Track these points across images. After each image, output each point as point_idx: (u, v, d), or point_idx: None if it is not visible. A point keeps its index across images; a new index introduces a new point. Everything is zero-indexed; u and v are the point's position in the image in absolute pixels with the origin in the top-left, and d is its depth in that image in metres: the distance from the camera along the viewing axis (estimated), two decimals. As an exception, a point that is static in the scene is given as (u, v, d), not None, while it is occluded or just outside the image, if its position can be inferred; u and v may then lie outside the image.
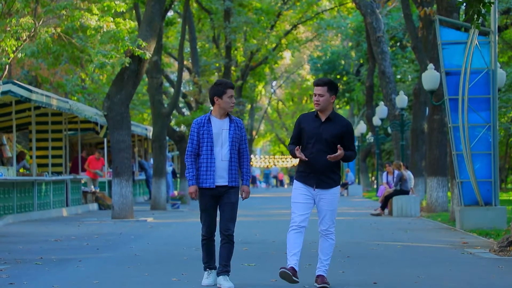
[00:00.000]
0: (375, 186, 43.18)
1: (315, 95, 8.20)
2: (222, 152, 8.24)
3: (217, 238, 8.37)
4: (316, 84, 8.22)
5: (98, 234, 15.34)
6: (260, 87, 59.28)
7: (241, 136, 8.36)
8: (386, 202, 22.00)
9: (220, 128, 8.26)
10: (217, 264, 8.48)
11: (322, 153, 8.11)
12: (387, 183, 23.56)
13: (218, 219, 8.42)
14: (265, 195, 41.80)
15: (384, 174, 24.26)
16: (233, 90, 8.32)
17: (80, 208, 24.40)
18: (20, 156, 23.96)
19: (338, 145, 8.08)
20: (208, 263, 8.43)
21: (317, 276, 8.20)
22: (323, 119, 8.21)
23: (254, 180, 73.99)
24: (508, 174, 49.86)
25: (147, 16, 21.02)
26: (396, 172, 22.31)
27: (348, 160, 8.25)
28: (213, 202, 8.29)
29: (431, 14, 21.94)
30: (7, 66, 19.21)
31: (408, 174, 22.26)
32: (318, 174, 8.14)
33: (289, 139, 8.57)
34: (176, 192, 28.49)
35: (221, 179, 8.25)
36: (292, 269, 8.01)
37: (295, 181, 8.34)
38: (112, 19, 19.65)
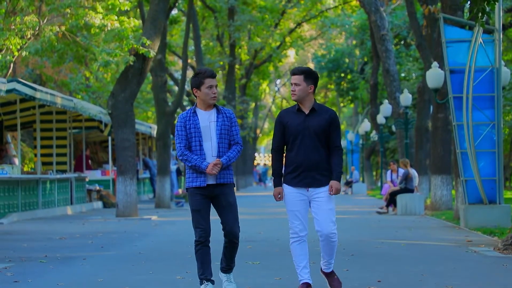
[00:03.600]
0: (379, 184, 43.16)
1: (291, 85, 7.60)
2: (212, 147, 7.51)
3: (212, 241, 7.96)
4: (292, 73, 7.61)
5: (103, 232, 15.36)
6: (264, 85, 59.29)
7: (231, 127, 7.60)
8: (391, 199, 21.96)
9: (208, 121, 7.51)
10: (215, 273, 7.91)
11: (311, 148, 7.51)
12: (391, 181, 23.54)
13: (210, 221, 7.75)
14: (270, 193, 41.79)
15: (389, 172, 24.25)
16: (214, 79, 7.50)
17: (84, 206, 24.44)
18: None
19: (330, 188, 7.51)
20: (205, 275, 7.59)
21: (325, 273, 7.82)
22: (306, 111, 7.57)
23: (260, 178, 73.99)
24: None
25: (151, 14, 21.04)
26: (402, 170, 22.27)
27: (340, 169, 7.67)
28: (205, 201, 7.54)
29: (435, 12, 21.92)
30: (12, 65, 19.27)
31: (413, 172, 22.25)
32: (309, 172, 7.52)
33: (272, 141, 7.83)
34: (180, 190, 28.52)
35: (211, 177, 7.51)
36: (306, 285, 7.62)
37: (284, 185, 7.64)
38: (116, 17, 19.68)
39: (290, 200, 7.62)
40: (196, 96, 7.56)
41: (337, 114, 7.75)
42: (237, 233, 7.68)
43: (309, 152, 7.52)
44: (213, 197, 7.56)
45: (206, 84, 7.47)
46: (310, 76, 7.57)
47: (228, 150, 7.58)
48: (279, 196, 7.68)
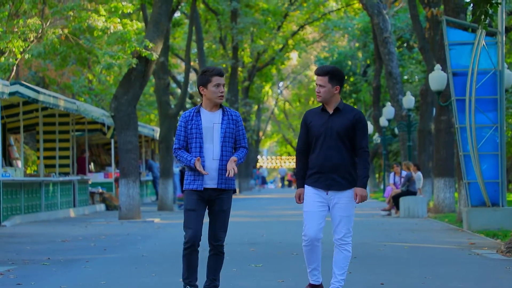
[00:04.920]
0: (382, 187, 43.14)
1: (317, 86, 7.30)
2: (213, 149, 7.13)
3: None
4: (316, 73, 7.29)
5: (105, 235, 15.36)
6: (267, 88, 59.30)
7: (238, 131, 7.23)
8: (395, 203, 21.89)
9: (211, 122, 7.15)
10: (200, 281, 7.37)
11: (334, 150, 7.19)
12: (394, 183, 23.53)
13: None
14: (273, 196, 41.81)
15: (391, 174, 24.23)
16: (222, 78, 7.16)
17: (87, 209, 24.44)
18: None
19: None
20: (189, 279, 7.17)
21: None
22: (331, 111, 7.28)
23: (263, 181, 73.95)
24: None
25: (154, 17, 21.06)
26: (405, 172, 22.26)
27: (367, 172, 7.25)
28: (202, 203, 7.16)
29: (438, 15, 21.91)
30: (15, 67, 19.29)
31: (418, 175, 22.23)
32: (330, 174, 7.20)
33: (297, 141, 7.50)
34: (183, 193, 28.47)
35: (211, 181, 7.12)
36: (313, 286, 7.46)
37: (305, 185, 7.34)
38: (119, 20, 19.71)
39: (307, 201, 7.30)
40: (202, 95, 7.24)
41: (364, 115, 7.40)
42: (221, 239, 7.20)
43: (331, 153, 7.20)
44: (210, 201, 7.19)
45: (214, 82, 7.14)
46: (335, 77, 7.26)
47: (229, 153, 7.20)
48: (300, 198, 7.37)
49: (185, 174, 7.31)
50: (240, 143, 7.29)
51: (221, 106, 7.25)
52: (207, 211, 7.32)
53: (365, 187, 7.26)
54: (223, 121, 7.17)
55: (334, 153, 7.20)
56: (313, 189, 7.28)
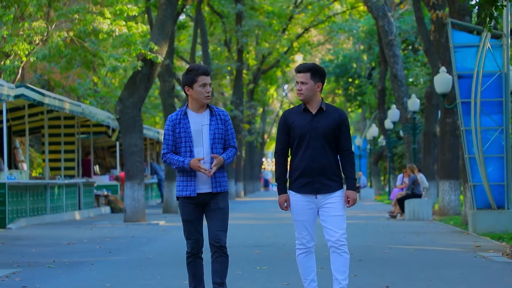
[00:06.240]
0: (387, 189, 43.10)
1: (298, 83, 6.97)
2: (204, 152, 6.83)
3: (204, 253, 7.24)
4: (298, 70, 6.96)
5: (110, 237, 15.38)
6: (272, 90, 59.27)
7: (227, 130, 6.94)
8: (401, 206, 21.85)
9: (200, 124, 6.84)
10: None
11: (320, 151, 6.91)
12: (402, 184, 23.50)
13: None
14: (277, 198, 41.80)
15: (399, 176, 24.20)
16: (208, 77, 6.84)
17: (92, 211, 24.46)
18: None
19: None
20: None
21: None
22: (314, 111, 6.96)
23: (266, 183, 73.87)
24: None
25: (159, 19, 21.08)
26: (410, 175, 22.24)
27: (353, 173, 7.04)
28: (197, 210, 6.91)
29: (443, 17, 21.90)
30: (20, 70, 19.33)
31: (421, 176, 22.21)
32: (318, 177, 6.92)
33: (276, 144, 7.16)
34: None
35: (204, 186, 6.85)
36: None
37: (290, 191, 7.03)
38: (124, 22, 19.73)
39: (297, 209, 7.00)
40: (187, 95, 6.91)
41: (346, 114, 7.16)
42: (222, 240, 6.89)
43: (317, 155, 6.91)
44: (204, 204, 6.93)
45: (200, 82, 6.81)
46: (317, 73, 6.98)
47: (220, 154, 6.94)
48: (285, 204, 7.06)
49: (176, 180, 7.00)
50: (229, 142, 6.99)
51: (208, 106, 6.96)
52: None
53: (355, 189, 7.03)
54: (211, 122, 6.89)
55: (320, 155, 6.93)
56: (300, 195, 7.00)
